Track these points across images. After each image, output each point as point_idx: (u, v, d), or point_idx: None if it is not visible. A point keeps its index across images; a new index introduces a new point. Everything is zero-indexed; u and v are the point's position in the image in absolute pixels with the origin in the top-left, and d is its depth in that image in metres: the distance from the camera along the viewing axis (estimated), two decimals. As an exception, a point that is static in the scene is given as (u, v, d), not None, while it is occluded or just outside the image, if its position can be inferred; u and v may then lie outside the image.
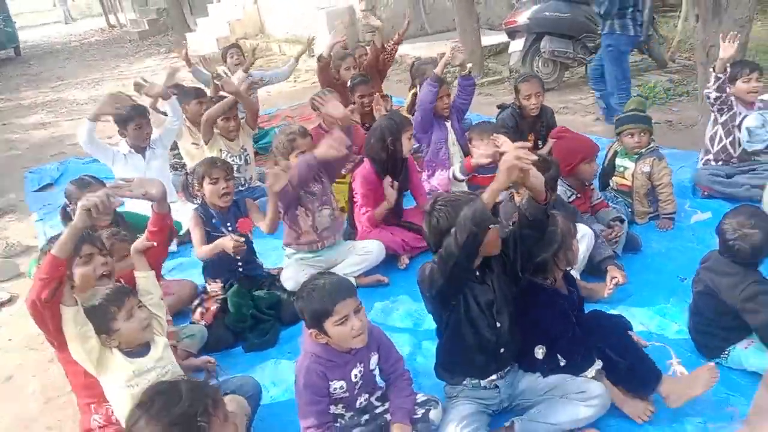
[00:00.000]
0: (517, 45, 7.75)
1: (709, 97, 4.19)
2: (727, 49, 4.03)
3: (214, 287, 3.45)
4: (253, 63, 6.33)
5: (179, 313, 3.49)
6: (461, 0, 7.87)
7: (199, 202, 3.55)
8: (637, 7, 5.69)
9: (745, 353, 2.61)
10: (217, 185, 3.41)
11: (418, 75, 5.44)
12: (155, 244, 2.58)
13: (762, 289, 2.50)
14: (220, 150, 4.76)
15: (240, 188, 4.92)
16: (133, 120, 4.52)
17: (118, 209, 3.46)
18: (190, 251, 4.41)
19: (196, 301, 3.45)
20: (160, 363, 2.34)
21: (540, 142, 4.61)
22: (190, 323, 3.32)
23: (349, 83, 5.45)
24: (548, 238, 2.42)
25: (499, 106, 4.98)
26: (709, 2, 5.18)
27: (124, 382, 2.25)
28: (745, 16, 5.00)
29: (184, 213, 3.96)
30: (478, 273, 2.36)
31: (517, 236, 2.30)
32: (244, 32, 13.93)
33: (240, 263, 3.52)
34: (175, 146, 5.25)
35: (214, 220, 3.47)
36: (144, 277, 2.51)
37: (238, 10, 14.12)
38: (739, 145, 4.23)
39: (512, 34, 7.89)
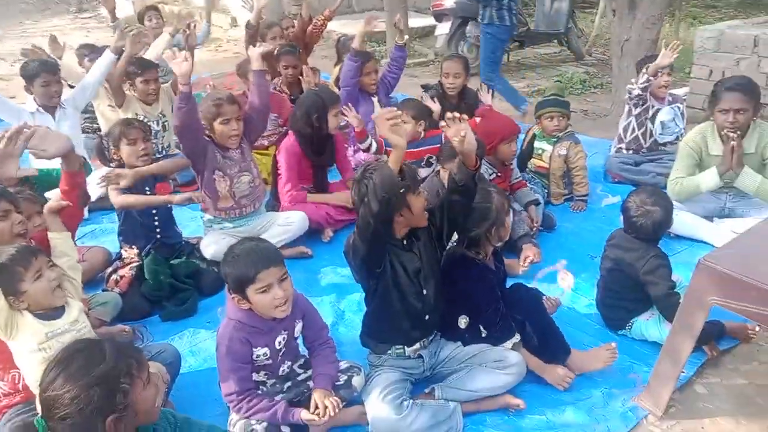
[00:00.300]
0: (444, 28, 7.86)
1: (630, 93, 4.40)
2: (666, 57, 4.19)
3: (130, 254, 3.31)
4: (180, 29, 6.04)
5: (91, 282, 3.32)
6: (390, -21, 7.87)
7: (115, 165, 3.38)
8: None
9: (646, 324, 2.80)
10: (135, 146, 3.27)
11: (344, 50, 5.42)
12: (70, 204, 2.44)
13: (661, 262, 2.69)
14: (136, 114, 4.54)
15: (157, 155, 4.72)
16: (39, 75, 4.23)
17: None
18: (102, 218, 4.23)
19: (110, 269, 3.30)
20: (76, 326, 2.22)
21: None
22: (103, 291, 3.18)
23: (275, 52, 5.34)
24: (482, 214, 2.49)
25: (423, 86, 5.04)
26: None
27: (36, 344, 2.13)
28: (658, 14, 5.29)
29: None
30: (405, 242, 2.38)
31: (445, 203, 2.34)
32: (162, -4, 13.30)
33: (158, 228, 3.39)
34: (86, 109, 4.97)
35: (131, 189, 3.30)
36: (59, 239, 2.37)
37: (156, -28, 13.44)
38: (651, 136, 4.49)
39: (439, 17, 7.99)
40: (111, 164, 3.41)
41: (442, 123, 2.91)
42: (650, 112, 4.43)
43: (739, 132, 3.32)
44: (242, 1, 6.35)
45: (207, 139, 3.45)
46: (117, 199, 3.25)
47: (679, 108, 4.45)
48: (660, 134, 4.42)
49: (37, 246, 2.28)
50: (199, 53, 7.85)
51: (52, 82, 4.26)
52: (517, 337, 2.55)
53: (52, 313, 2.20)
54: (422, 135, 4.10)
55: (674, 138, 4.43)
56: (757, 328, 2.80)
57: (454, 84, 4.61)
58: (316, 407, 2.21)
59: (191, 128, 3.35)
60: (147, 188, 3.34)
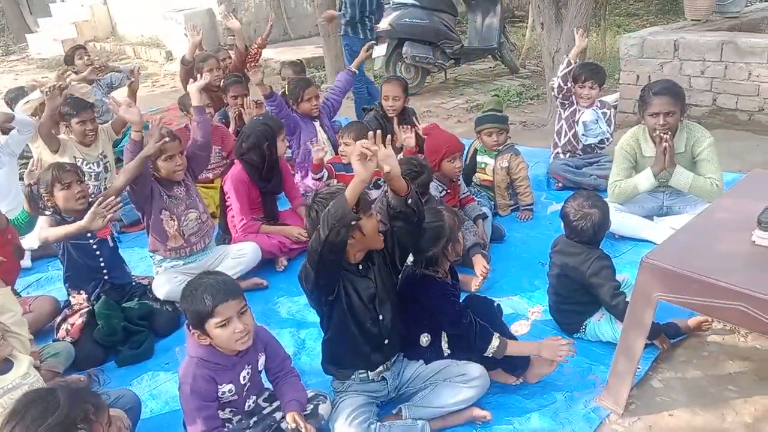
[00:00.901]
0: (381, 50, 7.96)
1: (553, 88, 4.60)
2: (581, 41, 4.60)
3: (79, 299, 3.21)
4: (102, 69, 5.98)
5: (40, 332, 3.20)
6: (323, 5, 7.94)
7: (50, 213, 3.27)
8: (370, 14, 6.51)
9: (598, 325, 2.88)
10: (70, 189, 3.15)
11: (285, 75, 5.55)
12: (4, 259, 2.37)
13: (604, 263, 2.78)
14: (74, 157, 4.43)
15: (99, 196, 4.62)
16: None
17: None
18: (47, 266, 4.10)
19: (59, 318, 3.19)
20: (27, 379, 2.16)
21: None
22: (54, 341, 3.07)
23: (221, 84, 5.32)
24: (436, 233, 2.51)
25: (363, 109, 5.10)
26: (551, 12, 5.66)
27: None
28: (583, 25, 5.51)
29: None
30: (360, 267, 2.39)
31: (391, 230, 2.35)
32: (93, 34, 13.08)
33: (105, 270, 3.30)
34: (23, 155, 4.81)
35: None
36: None
37: (84, 10, 13.20)
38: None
39: (375, 39, 8.09)
40: (46, 212, 3.29)
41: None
42: (577, 116, 4.62)
43: (669, 133, 3.48)
44: (184, 30, 6.31)
45: (152, 179, 3.41)
46: (40, 235, 3.18)
47: (605, 113, 4.64)
48: (583, 134, 4.60)
49: None
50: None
51: None
52: (496, 341, 2.52)
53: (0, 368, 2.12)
54: None
55: (599, 140, 4.63)
56: (711, 319, 2.91)
57: (394, 106, 4.68)
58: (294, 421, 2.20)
59: (143, 174, 3.31)
60: (87, 231, 3.22)
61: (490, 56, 8.75)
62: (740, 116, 5.40)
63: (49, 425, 1.50)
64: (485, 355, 2.53)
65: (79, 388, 1.66)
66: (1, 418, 1.83)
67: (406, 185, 2.23)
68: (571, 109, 4.62)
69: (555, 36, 5.69)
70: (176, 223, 3.47)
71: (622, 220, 3.65)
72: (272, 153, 3.83)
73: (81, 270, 3.25)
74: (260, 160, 3.83)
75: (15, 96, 5.17)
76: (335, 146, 4.71)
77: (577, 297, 2.89)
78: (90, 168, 4.50)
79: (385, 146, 2.14)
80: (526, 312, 3.21)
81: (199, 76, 5.41)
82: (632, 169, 3.72)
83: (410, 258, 2.58)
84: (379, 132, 2.15)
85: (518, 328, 3.08)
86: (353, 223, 2.11)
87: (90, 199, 3.26)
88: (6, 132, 4.49)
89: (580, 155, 4.72)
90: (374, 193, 3.94)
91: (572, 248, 2.87)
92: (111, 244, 3.34)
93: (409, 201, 2.23)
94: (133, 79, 4.62)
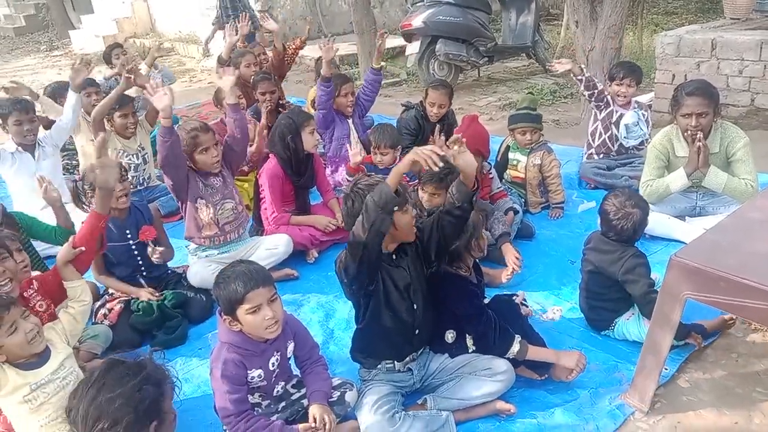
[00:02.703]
0: (413, 48, 8.00)
1: (584, 95, 4.58)
2: (563, 65, 4.61)
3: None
4: (156, 59, 6.11)
5: (79, 316, 3.33)
6: (358, 3, 8.00)
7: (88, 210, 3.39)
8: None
9: (627, 324, 2.88)
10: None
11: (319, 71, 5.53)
12: (83, 249, 2.48)
13: (639, 261, 2.77)
14: (116, 149, 4.60)
15: (138, 188, 4.76)
16: (11, 114, 4.26)
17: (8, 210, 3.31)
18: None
19: (98, 303, 3.31)
20: (59, 374, 2.23)
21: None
22: (92, 324, 3.19)
23: (251, 80, 5.42)
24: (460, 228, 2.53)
25: (403, 105, 5.09)
26: (586, 10, 5.62)
27: (21, 397, 2.16)
28: (618, 23, 5.47)
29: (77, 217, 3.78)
30: (394, 257, 2.43)
31: (438, 222, 2.36)
32: (133, 31, 13.38)
33: (143, 267, 3.41)
34: (64, 147, 4.99)
35: (111, 230, 3.27)
36: (74, 286, 2.44)
37: (125, 7, 13.51)
38: (617, 140, 4.62)
39: (408, 36, 8.12)
40: (87, 208, 3.40)
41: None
42: (614, 117, 4.58)
43: (702, 133, 3.44)
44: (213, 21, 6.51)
45: (189, 168, 3.50)
46: (98, 280, 3.37)
47: (644, 114, 4.60)
48: (625, 137, 4.56)
49: (10, 297, 2.28)
50: (173, 86, 7.92)
51: (25, 121, 4.29)
52: (517, 345, 2.54)
53: (35, 361, 2.21)
54: (398, 160, 4.20)
55: (639, 142, 4.58)
56: (735, 317, 2.90)
57: (438, 114, 4.72)
58: (315, 420, 2.24)
59: (175, 160, 3.39)
60: (128, 231, 3.33)
61: (524, 54, 8.70)
62: (779, 117, 5.30)
63: (139, 380, 1.62)
64: (506, 356, 2.56)
65: (151, 359, 1.76)
66: (36, 413, 1.98)
67: (474, 182, 2.26)
68: (608, 110, 4.58)
69: (589, 34, 5.65)
70: (211, 211, 3.56)
71: (654, 220, 3.59)
72: (297, 145, 3.88)
73: (121, 269, 3.37)
74: (286, 152, 3.89)
75: (53, 89, 5.35)
76: (366, 145, 4.76)
77: (610, 294, 2.89)
78: (130, 160, 4.65)
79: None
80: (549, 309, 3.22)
81: (232, 70, 5.55)
82: (665, 168, 3.69)
83: None
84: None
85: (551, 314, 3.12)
86: (396, 209, 2.15)
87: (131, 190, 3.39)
88: (48, 127, 4.67)
89: (614, 156, 4.69)
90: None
91: (607, 245, 2.86)
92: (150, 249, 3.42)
93: (475, 198, 2.27)
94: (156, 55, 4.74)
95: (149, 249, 3.31)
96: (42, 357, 2.23)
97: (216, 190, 3.58)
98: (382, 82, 6.60)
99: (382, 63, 4.98)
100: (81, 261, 2.52)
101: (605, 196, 2.96)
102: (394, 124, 4.83)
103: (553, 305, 3.26)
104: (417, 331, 2.51)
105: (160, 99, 3.27)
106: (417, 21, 7.73)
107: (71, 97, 4.44)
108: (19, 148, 4.32)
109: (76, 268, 2.49)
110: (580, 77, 4.47)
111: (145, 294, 3.29)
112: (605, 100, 4.55)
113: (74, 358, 2.39)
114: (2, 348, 2.12)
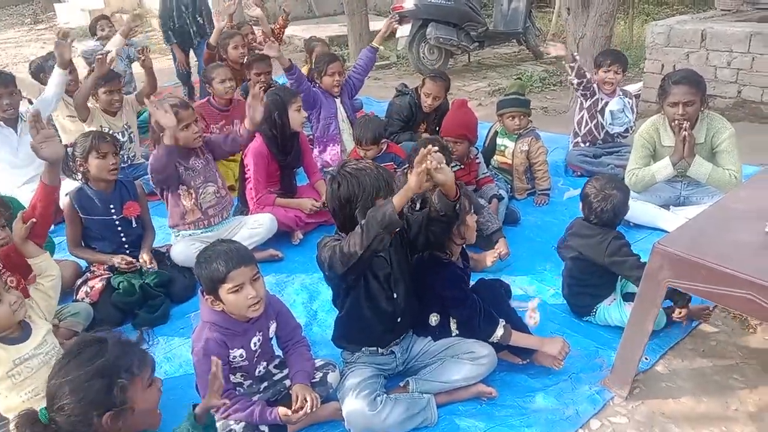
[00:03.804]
0: (404, 30, 7.94)
1: (572, 83, 4.58)
2: (557, 49, 4.57)
3: (100, 267, 3.30)
4: (132, 29, 6.00)
5: (61, 295, 3.27)
6: (348, -17, 7.94)
7: (79, 178, 3.37)
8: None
9: (609, 309, 2.91)
10: (105, 160, 3.24)
11: (309, 51, 5.55)
12: (34, 220, 2.45)
13: (622, 242, 2.81)
14: (101, 126, 4.53)
15: (122, 166, 4.70)
16: None
17: None
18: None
19: (80, 280, 3.29)
20: (42, 349, 2.24)
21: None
22: (73, 302, 3.16)
23: (245, 61, 5.36)
24: None
25: (398, 90, 5.03)
26: (578, -2, 5.61)
27: (4, 372, 2.16)
28: (610, 11, 5.46)
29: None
30: None
31: (423, 225, 2.32)
32: (119, 6, 13.18)
33: (126, 244, 3.39)
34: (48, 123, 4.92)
35: (95, 203, 3.29)
36: (39, 261, 2.42)
37: (112, -19, 13.30)
38: (603, 128, 4.64)
39: (399, 19, 8.06)
40: (75, 176, 3.38)
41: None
42: (600, 105, 4.59)
43: (688, 123, 3.46)
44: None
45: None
46: (73, 253, 3.36)
47: (629, 102, 4.61)
48: (610, 124, 4.58)
49: None
50: (156, 63, 7.79)
51: (4, 95, 4.20)
52: (501, 329, 2.54)
53: (18, 336, 2.21)
54: (383, 150, 4.21)
55: (624, 129, 4.60)
56: (711, 308, 2.94)
57: (432, 105, 4.71)
58: (297, 400, 2.24)
59: (167, 174, 3.37)
60: (112, 206, 3.32)
61: (514, 41, 8.69)
62: (765, 109, 5.34)
63: (93, 368, 1.56)
64: (490, 341, 2.57)
65: (128, 340, 1.70)
66: (19, 388, 1.98)
67: (456, 191, 2.20)
68: (594, 98, 4.59)
69: (581, 22, 5.63)
70: (193, 196, 3.53)
71: (638, 209, 3.65)
72: (284, 123, 3.84)
73: (104, 246, 3.35)
74: (272, 130, 3.85)
75: (38, 66, 5.25)
76: (354, 124, 4.74)
77: (592, 280, 2.91)
78: (116, 137, 4.58)
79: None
80: (535, 295, 3.22)
81: (223, 54, 5.49)
82: (650, 157, 3.71)
83: None
84: (434, 148, 2.07)
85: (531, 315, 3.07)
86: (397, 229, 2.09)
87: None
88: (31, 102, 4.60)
89: (600, 144, 4.70)
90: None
91: (588, 230, 2.89)
92: (134, 225, 3.41)
93: (457, 207, 2.22)
94: (143, 57, 4.65)
95: (141, 260, 3.33)
96: (23, 332, 2.23)
97: (197, 172, 3.54)
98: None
99: (381, 46, 4.95)
100: (36, 234, 2.49)
101: (586, 181, 2.99)
102: (383, 108, 4.81)
103: (537, 294, 3.24)
104: (399, 320, 2.51)
105: (164, 117, 3.20)
106: (408, 3, 7.68)
107: (57, 74, 4.37)
108: (1, 123, 4.25)
109: (34, 241, 2.46)
110: (572, 64, 4.46)
111: (118, 259, 3.25)
112: (591, 88, 4.55)
113: (53, 335, 2.38)
114: None
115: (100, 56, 4.47)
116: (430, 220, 2.28)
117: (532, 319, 2.78)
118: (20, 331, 2.23)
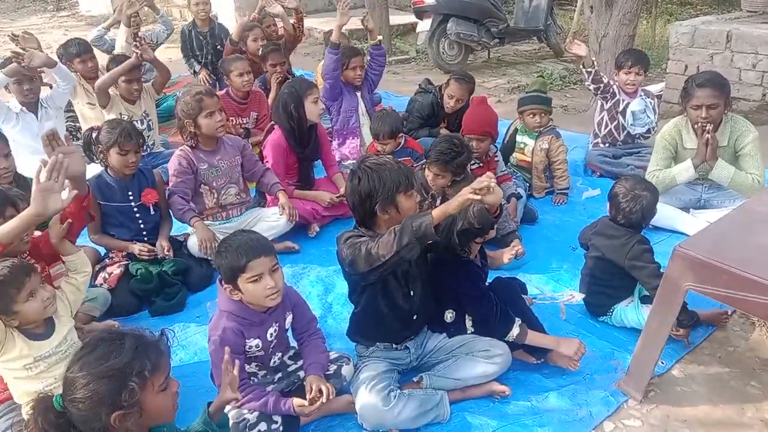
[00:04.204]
0: (425, 25, 7.92)
1: (589, 88, 4.54)
2: (580, 48, 4.42)
3: (118, 254, 3.34)
4: (139, 25, 6.08)
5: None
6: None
7: (99, 162, 3.40)
8: None
9: (625, 310, 2.88)
10: (126, 157, 3.26)
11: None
12: (71, 221, 2.48)
13: (645, 247, 2.78)
14: (120, 114, 4.56)
15: (142, 154, 4.73)
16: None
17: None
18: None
19: (98, 267, 3.31)
20: (61, 347, 2.27)
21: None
22: (92, 287, 3.19)
23: (260, 52, 5.37)
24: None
25: (421, 87, 4.98)
26: (602, -5, 5.55)
27: (21, 365, 2.19)
28: (634, 10, 5.40)
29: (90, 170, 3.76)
30: None
31: (452, 231, 2.31)
32: (141, -6, 13.21)
33: (144, 233, 3.43)
34: (67, 108, 4.96)
35: (114, 190, 3.33)
36: (73, 259, 2.45)
37: (136, -30, 13.34)
38: (623, 129, 4.59)
39: (420, 14, 8.04)
40: (95, 160, 3.41)
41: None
42: (621, 106, 4.54)
43: (711, 125, 3.41)
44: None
45: (193, 145, 3.54)
46: (93, 240, 3.39)
47: (650, 102, 4.56)
48: (632, 125, 4.53)
49: (30, 264, 2.30)
50: (173, 52, 7.83)
51: (24, 80, 4.24)
52: (517, 328, 2.53)
53: (42, 332, 2.24)
54: (401, 145, 4.19)
55: (646, 129, 4.55)
56: (729, 313, 2.91)
57: (454, 107, 4.66)
58: (311, 391, 2.25)
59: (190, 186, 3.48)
60: (130, 193, 3.35)
61: (535, 38, 8.62)
62: (790, 113, 5.26)
63: (105, 367, 1.55)
64: (505, 339, 2.56)
65: (147, 341, 1.65)
66: (34, 380, 2.04)
67: (498, 208, 2.20)
68: (614, 100, 4.54)
69: (604, 20, 5.58)
70: (215, 197, 3.58)
71: (658, 210, 3.59)
72: (300, 115, 3.83)
73: (123, 233, 3.38)
74: (289, 122, 3.85)
75: (62, 53, 5.29)
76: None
77: (612, 281, 2.89)
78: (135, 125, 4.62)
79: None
80: (552, 293, 3.21)
81: (243, 46, 5.48)
82: (672, 159, 3.67)
83: None
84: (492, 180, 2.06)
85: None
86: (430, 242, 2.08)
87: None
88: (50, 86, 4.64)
89: (620, 146, 4.66)
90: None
91: (614, 231, 2.86)
92: (152, 213, 3.43)
93: (494, 221, 2.22)
94: (140, 52, 4.58)
95: (159, 246, 3.37)
96: (48, 328, 2.26)
97: (221, 172, 3.57)
98: (391, 59, 6.53)
99: (379, 37, 4.88)
100: (71, 233, 2.52)
101: (616, 180, 2.95)
102: (402, 102, 4.78)
103: (555, 291, 3.24)
104: (415, 317, 2.51)
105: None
106: (429, -2, 7.64)
107: (54, 74, 4.40)
108: (24, 108, 4.30)
109: (69, 238, 2.50)
110: (589, 69, 4.40)
111: (137, 247, 3.29)
112: (611, 91, 4.50)
113: (75, 332, 2.42)
114: (18, 313, 2.14)
115: (143, 44, 4.45)
116: (463, 230, 2.29)
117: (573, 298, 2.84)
118: (44, 327, 2.25)
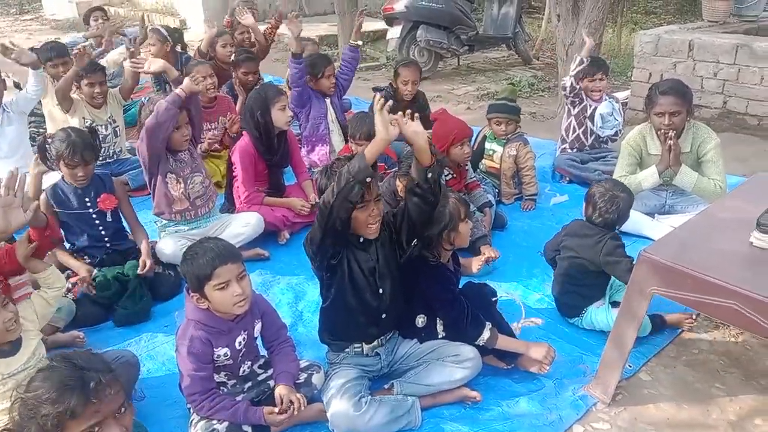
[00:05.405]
0: (395, 32, 7.95)
1: (565, 88, 4.62)
2: (589, 40, 4.61)
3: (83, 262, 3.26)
4: (114, 32, 6.03)
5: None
6: (340, -18, 7.93)
7: (56, 169, 3.34)
8: None
9: (597, 312, 2.92)
10: (74, 170, 3.20)
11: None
12: (36, 244, 2.41)
13: (618, 243, 2.85)
14: (84, 118, 4.48)
15: (108, 161, 4.66)
16: None
17: None
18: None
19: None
20: (30, 363, 2.22)
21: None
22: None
23: (232, 58, 5.33)
24: (436, 216, 2.47)
25: (374, 89, 5.10)
26: (568, 4, 5.64)
27: None
28: (600, 19, 5.51)
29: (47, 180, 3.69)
30: (361, 239, 2.39)
31: (404, 206, 2.34)
32: (106, -2, 13.03)
33: (106, 238, 3.37)
34: (33, 113, 4.85)
35: (70, 198, 3.27)
36: (45, 275, 2.41)
37: (101, -27, 13.15)
38: (591, 134, 4.67)
39: (390, 21, 8.08)
40: (53, 168, 3.35)
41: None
42: (588, 111, 4.63)
43: (674, 132, 3.49)
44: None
45: None
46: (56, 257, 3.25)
47: (617, 105, 4.65)
48: (600, 127, 4.61)
49: None
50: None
51: None
52: (487, 332, 2.55)
53: (8, 350, 2.19)
54: None
55: (614, 132, 4.64)
56: (695, 317, 2.97)
57: (411, 91, 4.75)
58: (281, 402, 2.23)
59: (165, 132, 3.32)
60: (87, 200, 3.29)
61: (504, 45, 8.73)
62: (749, 120, 5.40)
63: (36, 396, 1.51)
64: (476, 344, 2.57)
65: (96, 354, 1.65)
66: (5, 400, 1.93)
67: (431, 158, 2.20)
68: (582, 105, 4.62)
69: (570, 29, 5.67)
70: (182, 185, 3.51)
71: (624, 216, 3.68)
72: (267, 122, 3.81)
73: (84, 239, 3.32)
74: (255, 128, 3.82)
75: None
76: (343, 127, 4.73)
77: (586, 280, 2.93)
78: (99, 131, 4.53)
79: (413, 119, 2.17)
80: (522, 301, 3.23)
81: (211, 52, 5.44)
82: (637, 165, 3.74)
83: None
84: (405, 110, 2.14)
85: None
86: (368, 180, 2.11)
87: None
88: (19, 88, 4.53)
89: (587, 150, 4.73)
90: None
91: (588, 230, 2.93)
92: (109, 219, 3.37)
93: (429, 175, 2.20)
94: (133, 49, 4.58)
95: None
96: (14, 345, 2.20)
97: (185, 164, 3.54)
98: (361, 65, 6.54)
99: (359, 42, 4.94)
100: (38, 253, 2.46)
101: (594, 183, 3.05)
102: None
103: (523, 299, 3.26)
104: (384, 315, 2.50)
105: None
106: (399, 5, 7.69)
107: (31, 75, 4.32)
108: (-15, 113, 4.19)
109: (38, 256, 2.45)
110: (586, 59, 4.52)
111: (84, 271, 3.18)
112: (580, 95, 4.59)
113: (43, 345, 2.37)
114: None
115: (78, 50, 4.43)
116: (408, 193, 2.29)
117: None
118: (10, 344, 2.19)
